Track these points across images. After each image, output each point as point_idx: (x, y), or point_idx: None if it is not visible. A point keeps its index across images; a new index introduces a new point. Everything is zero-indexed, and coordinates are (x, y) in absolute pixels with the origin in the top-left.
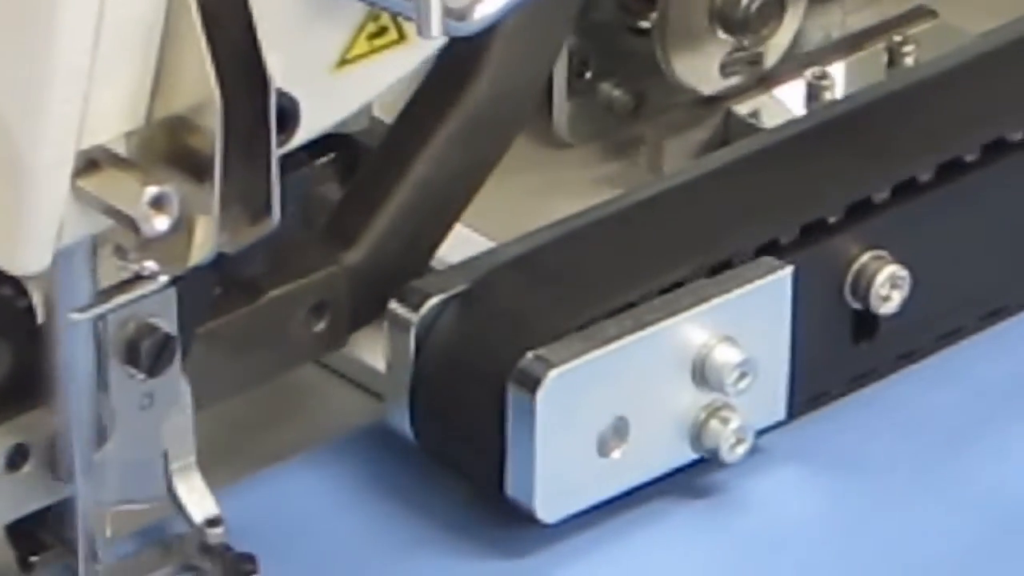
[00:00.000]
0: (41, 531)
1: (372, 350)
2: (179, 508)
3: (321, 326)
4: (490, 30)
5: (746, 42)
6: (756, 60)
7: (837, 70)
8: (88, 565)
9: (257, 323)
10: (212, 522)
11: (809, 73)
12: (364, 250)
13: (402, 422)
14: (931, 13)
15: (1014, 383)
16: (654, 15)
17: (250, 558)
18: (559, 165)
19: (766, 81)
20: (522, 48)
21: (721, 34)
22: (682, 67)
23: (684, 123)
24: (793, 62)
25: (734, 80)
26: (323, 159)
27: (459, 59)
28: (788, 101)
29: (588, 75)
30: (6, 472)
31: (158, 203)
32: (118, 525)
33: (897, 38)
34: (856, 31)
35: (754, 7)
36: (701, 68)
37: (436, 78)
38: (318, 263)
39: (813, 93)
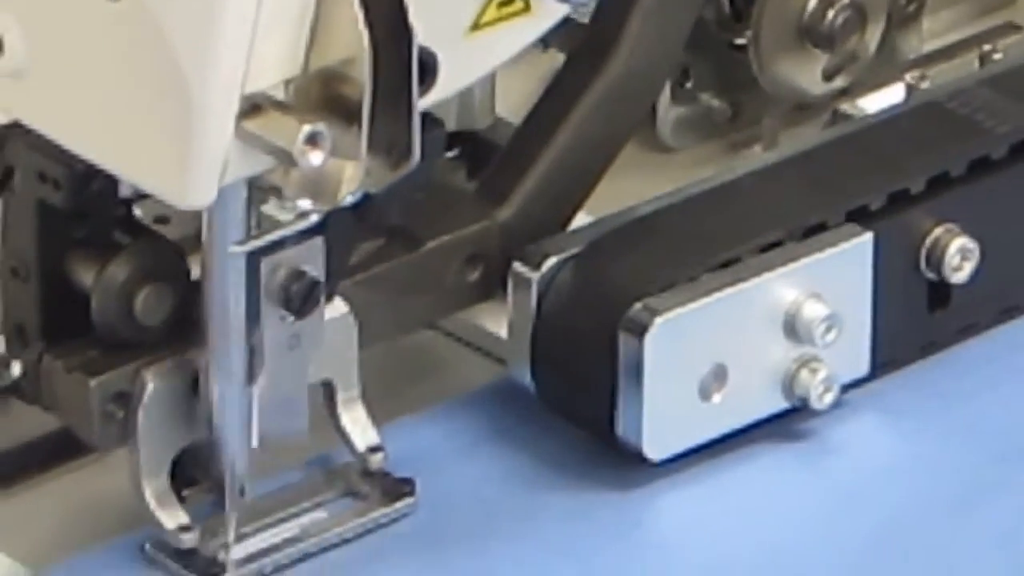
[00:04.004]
0: (192, 467)
1: (494, 319)
2: (343, 437)
3: (474, 276)
4: (628, 10)
5: (830, 53)
6: (843, 68)
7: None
8: (234, 499)
9: (416, 271)
10: (373, 449)
11: (908, 76)
12: (514, 207)
13: (523, 374)
14: (1018, 28)
15: None
16: (749, 33)
17: (408, 481)
18: (662, 168)
19: (862, 88)
20: (656, 28)
21: (806, 47)
22: (775, 78)
23: (796, 120)
24: (889, 70)
25: (836, 84)
26: (451, 153)
27: (600, 37)
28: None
29: (689, 85)
30: (189, 396)
31: (312, 140)
32: (263, 462)
33: (987, 47)
34: (949, 43)
35: (838, 22)
36: (793, 79)
37: (578, 55)
38: (473, 218)
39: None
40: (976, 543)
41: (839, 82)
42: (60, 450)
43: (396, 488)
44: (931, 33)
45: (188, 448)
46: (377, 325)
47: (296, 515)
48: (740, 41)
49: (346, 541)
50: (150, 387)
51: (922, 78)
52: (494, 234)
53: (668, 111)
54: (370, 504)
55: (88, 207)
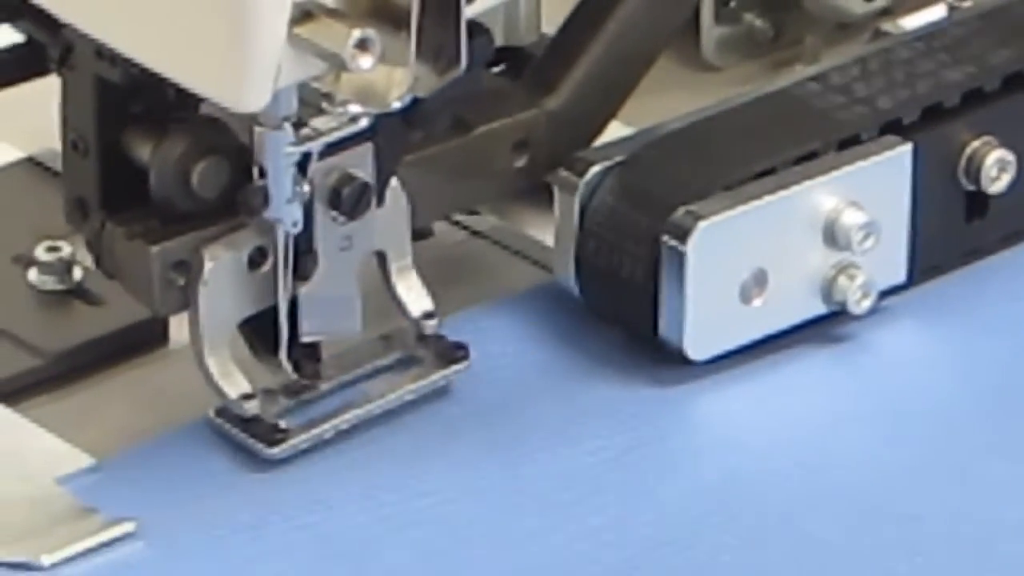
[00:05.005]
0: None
1: (541, 228)
2: (398, 303)
3: (522, 162)
4: None
5: None
6: None
7: None
8: (286, 349)
9: (466, 155)
10: (428, 315)
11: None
12: (562, 96)
13: (568, 277)
14: None
15: None
16: None
17: (462, 346)
18: (706, 86)
19: (904, 7)
20: None
21: None
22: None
23: (837, 39)
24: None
25: (878, 3)
26: (497, 68)
27: None
28: None
29: (733, 4)
30: (249, 270)
31: (363, 45)
32: None
33: None
34: None
35: None
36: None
37: None
38: (521, 106)
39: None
40: (1016, 444)
41: (880, 1)
42: (121, 348)
43: (451, 351)
44: None
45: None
46: (427, 205)
47: (354, 381)
48: None
49: (404, 405)
50: (208, 263)
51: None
52: (542, 122)
53: (711, 30)
54: (426, 368)
55: (144, 82)
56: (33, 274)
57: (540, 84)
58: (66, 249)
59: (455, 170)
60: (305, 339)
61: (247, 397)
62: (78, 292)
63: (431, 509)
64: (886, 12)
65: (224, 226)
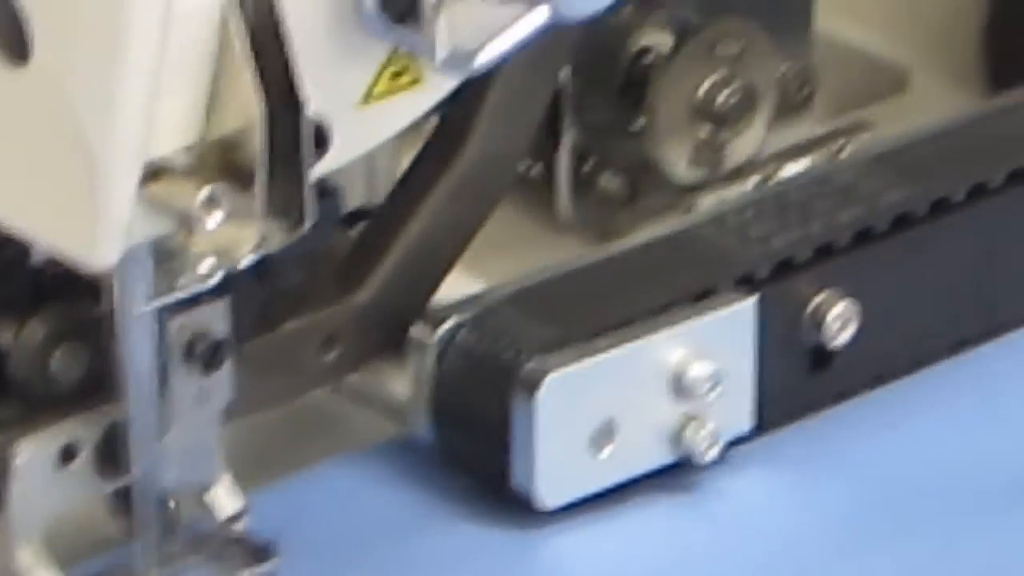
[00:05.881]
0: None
1: (394, 382)
2: (207, 507)
3: (331, 356)
4: (477, 105)
5: (723, 134)
6: (734, 151)
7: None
8: (158, 541)
9: (275, 351)
10: (235, 517)
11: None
12: (370, 291)
13: (422, 428)
14: (867, 125)
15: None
16: (643, 119)
17: (269, 545)
18: (561, 246)
19: (740, 173)
20: (505, 122)
21: (701, 132)
22: (668, 164)
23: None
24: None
25: (726, 167)
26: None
27: (451, 129)
28: None
29: (588, 167)
30: (60, 465)
31: (210, 202)
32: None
33: (841, 141)
34: (811, 138)
35: (729, 103)
36: (683, 160)
37: (431, 146)
38: (330, 301)
39: None
40: None
41: (724, 166)
42: None
43: (258, 552)
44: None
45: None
46: (238, 401)
47: None
48: (635, 128)
49: None
50: (23, 454)
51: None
52: (350, 317)
53: (566, 192)
54: (232, 568)
55: (4, 270)
56: None
57: (348, 279)
58: None
59: (263, 366)
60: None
61: None
62: None
63: None
64: (740, 172)
65: (39, 421)
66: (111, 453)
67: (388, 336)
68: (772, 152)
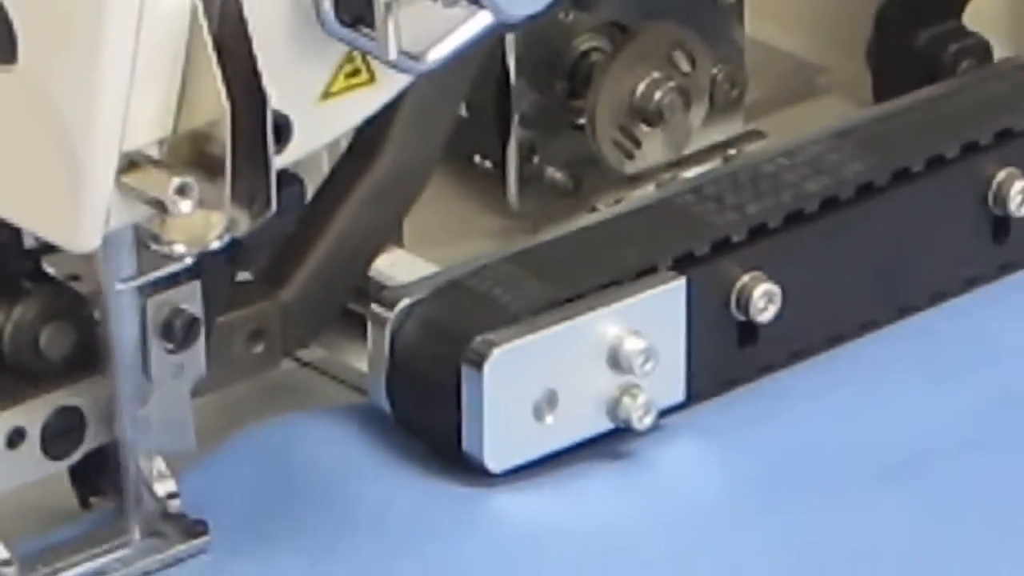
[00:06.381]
0: (97, 476)
1: (356, 356)
2: (147, 487)
3: (258, 349)
4: (390, 119)
5: (658, 130)
6: (671, 146)
7: None
8: (134, 503)
9: (208, 343)
10: (171, 496)
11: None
12: (294, 289)
13: (381, 398)
14: (760, 134)
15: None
16: (585, 117)
17: (202, 522)
18: (511, 233)
19: (677, 166)
20: (416, 134)
21: (637, 125)
22: (609, 158)
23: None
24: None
25: (662, 159)
26: None
27: (368, 139)
28: None
29: (536, 159)
30: (5, 449)
31: (182, 191)
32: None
33: (732, 151)
34: (724, 139)
35: (664, 101)
36: (623, 155)
37: (349, 155)
38: (256, 298)
39: None
40: (771, 546)
41: (665, 156)
42: None
43: (191, 528)
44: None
45: (94, 459)
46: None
47: (104, 552)
48: (580, 121)
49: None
50: None
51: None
52: (275, 312)
53: (515, 183)
54: (169, 542)
55: None
56: None
57: (273, 277)
58: None
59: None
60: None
61: (5, 563)
62: None
63: None
64: (674, 164)
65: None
66: (61, 434)
67: (309, 330)
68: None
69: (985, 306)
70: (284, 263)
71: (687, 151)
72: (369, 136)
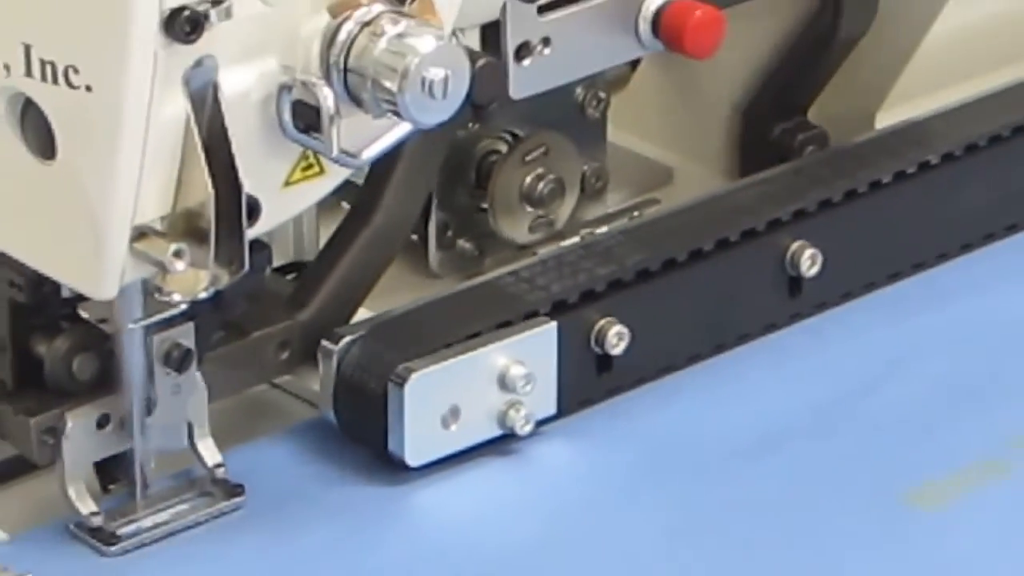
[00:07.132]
0: (115, 469)
1: (312, 380)
2: (198, 457)
3: (284, 356)
4: (384, 183)
5: (541, 212)
6: (551, 224)
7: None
8: (141, 490)
9: (245, 351)
10: (218, 465)
11: (583, 232)
12: (310, 312)
13: (329, 413)
14: (656, 201)
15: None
16: (487, 202)
17: (240, 486)
18: (430, 289)
19: (555, 238)
20: (403, 195)
21: (526, 208)
22: (505, 232)
23: (519, 255)
24: (574, 226)
25: (538, 236)
26: (290, 276)
27: (367, 201)
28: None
29: (450, 234)
30: (96, 430)
31: (178, 254)
32: (160, 466)
33: (635, 214)
34: (611, 211)
35: (546, 190)
36: (516, 229)
37: (353, 211)
38: (283, 318)
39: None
40: (634, 523)
41: (539, 235)
42: (16, 469)
43: (233, 490)
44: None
45: (111, 459)
46: (220, 387)
47: (168, 507)
48: (484, 205)
49: (199, 523)
50: (69, 424)
51: (591, 233)
52: (297, 329)
53: (435, 251)
54: (215, 500)
55: (41, 303)
56: None
57: (296, 303)
58: None
59: (237, 363)
60: (151, 455)
61: (94, 514)
62: None
63: None
64: (555, 236)
65: (86, 400)
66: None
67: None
68: (583, 221)
69: (782, 347)
70: (304, 292)
71: (596, 216)
72: (368, 198)
